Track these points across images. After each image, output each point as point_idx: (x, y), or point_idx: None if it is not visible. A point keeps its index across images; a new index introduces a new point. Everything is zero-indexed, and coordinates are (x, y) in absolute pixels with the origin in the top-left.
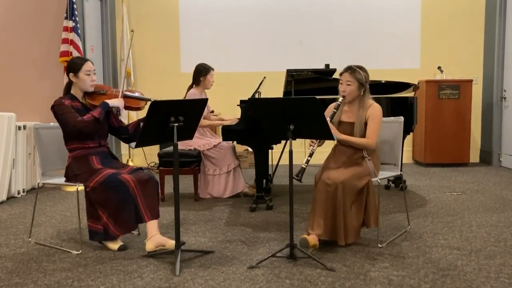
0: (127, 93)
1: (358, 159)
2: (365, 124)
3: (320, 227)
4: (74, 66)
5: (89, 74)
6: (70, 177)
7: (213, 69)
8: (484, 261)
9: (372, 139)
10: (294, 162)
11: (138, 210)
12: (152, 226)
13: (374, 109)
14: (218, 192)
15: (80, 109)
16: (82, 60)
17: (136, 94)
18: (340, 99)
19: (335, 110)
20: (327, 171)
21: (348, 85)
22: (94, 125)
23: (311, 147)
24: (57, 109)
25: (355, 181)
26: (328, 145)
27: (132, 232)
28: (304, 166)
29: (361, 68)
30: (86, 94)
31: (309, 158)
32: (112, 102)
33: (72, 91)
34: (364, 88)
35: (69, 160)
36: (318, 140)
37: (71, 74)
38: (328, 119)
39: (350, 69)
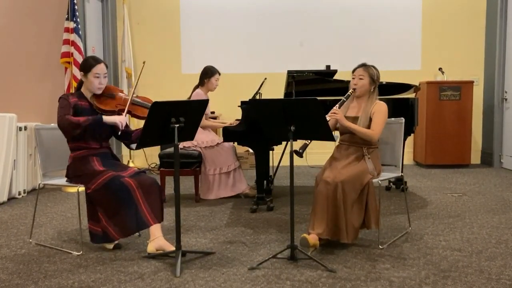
0: (137, 99)
1: (358, 158)
2: (370, 120)
3: (321, 226)
4: (85, 65)
5: (98, 77)
6: (71, 178)
7: (219, 73)
8: (485, 262)
9: (376, 131)
10: (294, 164)
11: (139, 214)
12: (155, 229)
13: (380, 105)
14: (219, 193)
15: (86, 109)
16: (95, 61)
17: (146, 103)
18: (350, 91)
19: (344, 99)
20: (328, 171)
21: (361, 79)
22: (75, 129)
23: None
24: (59, 102)
25: (355, 180)
26: (330, 146)
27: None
28: (308, 142)
29: (374, 66)
30: (95, 95)
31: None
32: (108, 119)
33: (82, 89)
34: (375, 85)
35: (70, 160)
36: None
37: (81, 73)
38: (336, 106)
39: (364, 65)
